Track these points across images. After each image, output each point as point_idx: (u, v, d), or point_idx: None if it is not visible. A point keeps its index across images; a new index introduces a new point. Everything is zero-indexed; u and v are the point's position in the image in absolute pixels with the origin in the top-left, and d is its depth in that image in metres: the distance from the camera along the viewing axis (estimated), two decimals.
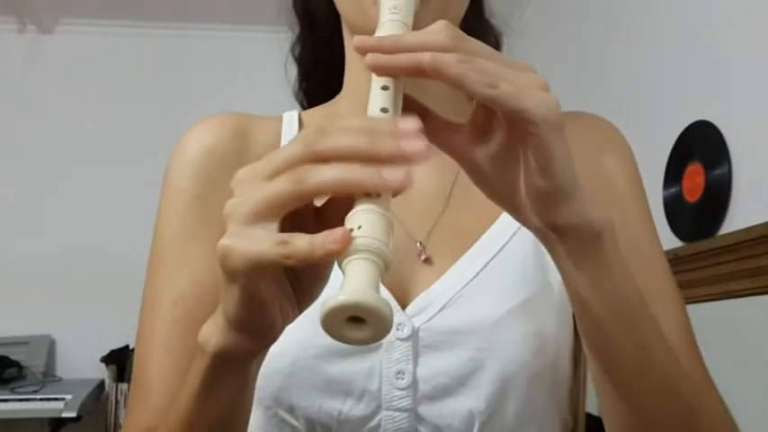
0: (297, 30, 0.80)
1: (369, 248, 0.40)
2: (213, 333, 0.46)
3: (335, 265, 0.45)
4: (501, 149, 0.47)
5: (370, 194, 0.42)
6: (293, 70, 0.82)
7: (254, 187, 0.42)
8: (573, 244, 0.48)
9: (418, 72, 0.44)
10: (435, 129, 0.48)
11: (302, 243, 0.40)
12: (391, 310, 0.39)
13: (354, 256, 0.40)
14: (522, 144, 0.45)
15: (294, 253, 0.40)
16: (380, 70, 0.44)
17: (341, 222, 0.42)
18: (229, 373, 0.48)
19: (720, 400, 0.64)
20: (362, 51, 0.45)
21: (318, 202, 0.45)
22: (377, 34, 0.50)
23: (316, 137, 0.42)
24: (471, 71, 0.42)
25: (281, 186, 0.41)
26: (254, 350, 0.48)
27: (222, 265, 0.42)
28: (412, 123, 0.42)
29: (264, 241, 0.40)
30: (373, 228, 0.41)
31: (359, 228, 0.40)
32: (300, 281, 0.46)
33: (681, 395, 0.56)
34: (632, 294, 0.51)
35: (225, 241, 0.42)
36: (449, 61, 0.42)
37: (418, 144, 0.41)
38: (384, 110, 0.46)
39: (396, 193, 0.42)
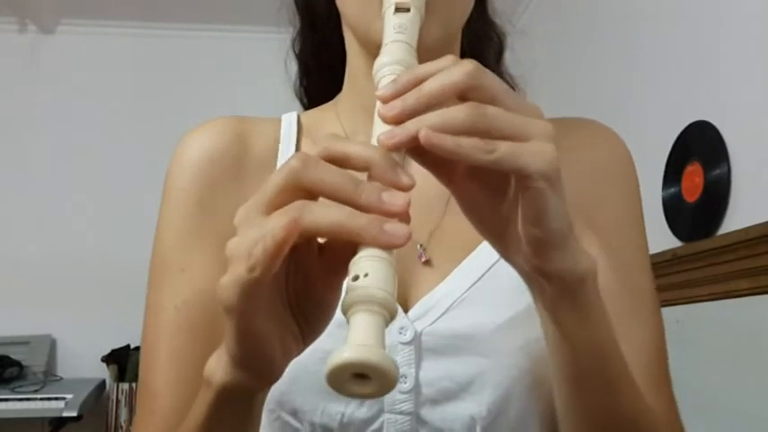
0: (297, 25, 0.80)
1: (374, 299, 0.40)
2: (218, 368, 0.47)
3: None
4: (497, 190, 0.48)
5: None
6: (294, 66, 0.82)
7: (252, 226, 0.42)
8: (556, 288, 0.48)
9: (417, 144, 0.44)
10: (434, 160, 0.47)
11: (257, 249, 0.40)
12: (397, 368, 0.39)
13: (360, 307, 0.40)
14: (518, 192, 0.45)
15: (254, 263, 0.40)
16: (392, 148, 0.44)
17: (345, 259, 0.42)
18: (233, 408, 0.49)
19: (679, 426, 0.66)
20: (386, 121, 0.45)
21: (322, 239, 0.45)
22: (381, 56, 0.51)
23: (303, 164, 0.42)
24: (465, 141, 0.42)
25: (279, 223, 0.41)
26: (257, 387, 0.48)
27: (219, 303, 0.43)
28: (407, 179, 0.43)
29: (240, 266, 0.41)
30: (379, 276, 0.40)
31: (365, 275, 0.40)
32: (306, 316, 0.46)
33: (638, 430, 0.57)
34: (606, 338, 0.52)
35: (222, 279, 0.42)
36: (442, 139, 0.42)
37: (402, 202, 0.42)
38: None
39: None
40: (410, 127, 0.43)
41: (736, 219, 1.60)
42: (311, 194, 0.42)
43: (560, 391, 0.57)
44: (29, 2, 3.10)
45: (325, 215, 0.41)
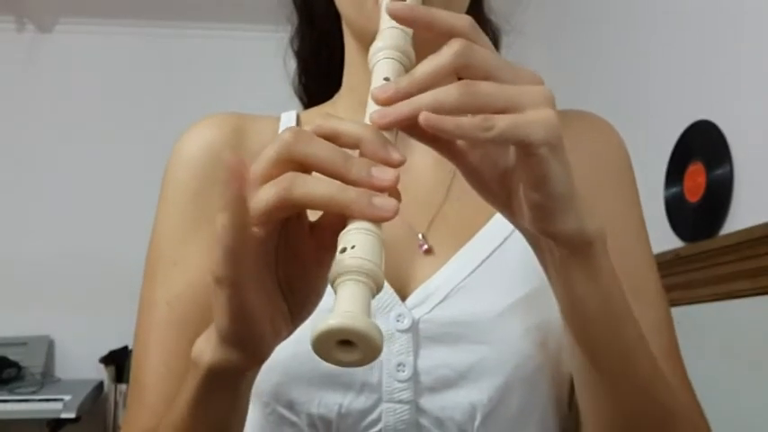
0: (295, 23, 0.80)
1: (361, 270, 0.40)
2: (206, 348, 0.47)
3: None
4: (500, 156, 0.48)
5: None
6: (293, 64, 0.82)
7: None
8: (564, 252, 0.49)
9: (411, 124, 0.45)
10: (433, 136, 0.47)
11: (236, 212, 0.41)
12: (381, 335, 0.40)
13: (347, 277, 0.40)
14: (520, 158, 0.46)
15: (228, 224, 0.41)
16: (384, 126, 0.45)
17: (335, 236, 0.43)
18: (221, 389, 0.49)
19: (696, 403, 0.66)
20: (379, 102, 0.46)
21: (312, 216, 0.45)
22: (377, 41, 0.51)
23: (295, 138, 0.43)
24: (464, 121, 0.43)
25: (269, 194, 0.41)
26: (245, 366, 0.48)
27: (212, 276, 0.43)
28: (397, 155, 0.43)
29: (228, 234, 0.41)
30: (366, 249, 0.41)
31: (352, 247, 0.41)
32: (295, 295, 0.46)
33: (658, 399, 0.57)
34: (618, 301, 0.52)
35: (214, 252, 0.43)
36: (441, 121, 0.43)
37: (391, 176, 0.42)
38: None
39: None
40: (403, 107, 0.44)
41: (739, 219, 1.60)
42: (302, 168, 0.43)
43: (576, 361, 0.57)
44: (27, 1, 3.09)
45: (315, 187, 0.42)
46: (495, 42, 0.81)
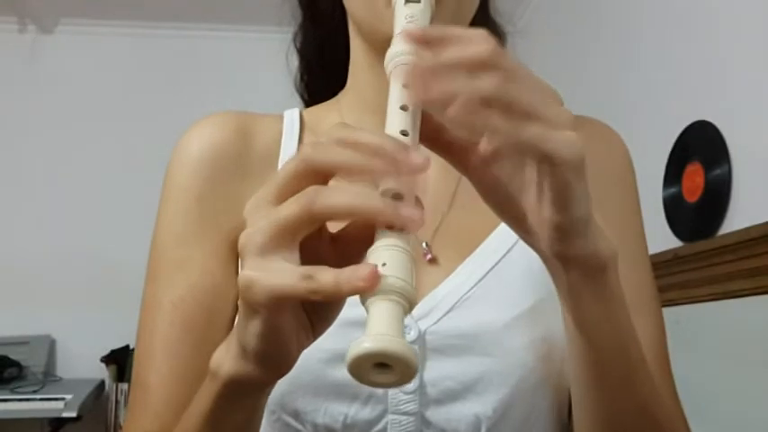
0: (299, 20, 0.79)
1: (394, 289, 0.39)
2: (226, 360, 0.46)
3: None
4: (517, 174, 0.47)
5: (393, 227, 0.41)
6: (295, 61, 0.81)
7: (264, 214, 0.41)
8: (578, 273, 0.48)
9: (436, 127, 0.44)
10: (450, 147, 0.47)
11: (328, 279, 0.39)
12: (417, 357, 0.39)
13: (380, 296, 0.39)
14: (542, 179, 0.45)
15: (320, 289, 0.39)
16: (419, 93, 0.43)
17: (358, 249, 0.42)
18: (240, 400, 0.48)
19: (682, 416, 0.66)
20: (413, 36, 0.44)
21: (334, 228, 0.44)
22: (393, 46, 0.50)
23: (315, 150, 0.41)
24: (495, 118, 0.42)
25: (292, 209, 0.40)
26: (267, 381, 0.48)
27: (244, 297, 0.42)
28: (419, 159, 0.42)
29: (289, 275, 0.40)
30: (398, 266, 0.40)
31: (383, 265, 0.40)
32: (316, 309, 0.46)
33: (655, 419, 0.57)
34: (625, 324, 0.52)
35: (247, 273, 0.41)
36: (476, 108, 0.42)
37: (420, 160, 0.41)
38: (404, 132, 0.45)
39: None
40: (442, 76, 0.42)
41: (737, 219, 1.60)
42: (323, 181, 0.42)
43: (579, 381, 0.57)
44: (29, 2, 3.10)
45: (338, 198, 0.40)
46: (501, 44, 0.80)
